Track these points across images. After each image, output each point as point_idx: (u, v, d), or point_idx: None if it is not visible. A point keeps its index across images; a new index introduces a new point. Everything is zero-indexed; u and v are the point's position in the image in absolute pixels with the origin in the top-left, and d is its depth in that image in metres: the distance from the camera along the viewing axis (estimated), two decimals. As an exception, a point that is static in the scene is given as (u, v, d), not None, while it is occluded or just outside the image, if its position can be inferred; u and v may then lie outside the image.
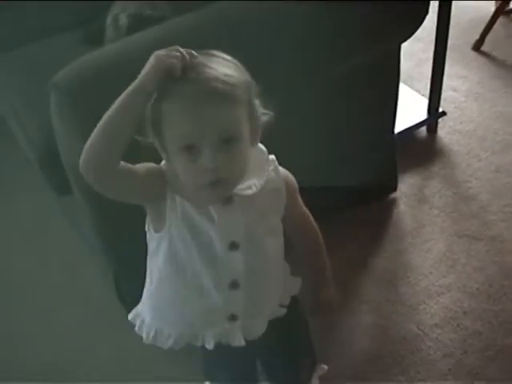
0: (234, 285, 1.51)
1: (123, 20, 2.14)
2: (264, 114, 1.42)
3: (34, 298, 2.55)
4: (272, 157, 1.51)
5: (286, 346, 1.79)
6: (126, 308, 2.33)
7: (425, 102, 2.97)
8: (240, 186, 1.42)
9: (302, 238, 1.66)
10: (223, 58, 1.37)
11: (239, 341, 1.58)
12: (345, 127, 2.38)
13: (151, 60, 1.31)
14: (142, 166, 1.41)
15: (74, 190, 2.16)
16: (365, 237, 2.56)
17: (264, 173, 1.47)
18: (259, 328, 1.62)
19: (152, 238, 1.52)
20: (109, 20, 2.25)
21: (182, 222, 1.43)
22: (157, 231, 1.49)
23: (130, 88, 1.31)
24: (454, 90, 3.24)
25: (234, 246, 1.47)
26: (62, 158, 2.08)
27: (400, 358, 2.22)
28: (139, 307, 1.66)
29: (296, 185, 1.58)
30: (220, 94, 1.29)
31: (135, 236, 2.08)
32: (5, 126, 2.61)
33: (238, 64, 1.38)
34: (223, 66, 1.34)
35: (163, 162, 1.46)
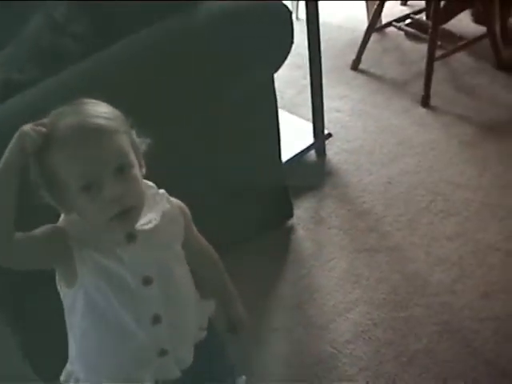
0: (156, 319, 1.52)
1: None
2: (142, 142, 1.47)
3: None
4: (162, 190, 1.55)
5: (207, 366, 1.77)
6: (44, 380, 2.30)
7: (310, 126, 3.02)
8: (140, 222, 1.45)
9: (201, 260, 1.69)
10: (93, 102, 1.42)
11: (174, 373, 1.60)
12: (231, 161, 2.41)
13: (15, 137, 1.33)
14: (40, 232, 1.41)
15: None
16: (267, 266, 2.58)
17: (158, 205, 1.51)
18: (188, 355, 1.64)
19: (66, 295, 1.51)
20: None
21: (93, 271, 1.43)
22: (69, 287, 1.48)
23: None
24: (338, 110, 3.31)
25: (147, 281, 1.48)
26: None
27: (318, 380, 2.22)
28: (68, 367, 1.63)
29: (188, 211, 1.62)
30: (103, 128, 1.36)
31: (38, 305, 2.07)
32: None
33: (106, 104, 1.44)
34: (96, 106, 1.40)
35: (61, 219, 1.46)
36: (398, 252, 2.59)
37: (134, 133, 1.45)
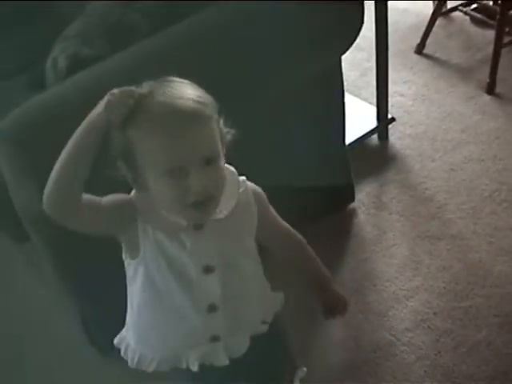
0: (212, 308, 1.51)
1: (62, 62, 2.14)
2: (227, 132, 1.44)
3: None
4: (243, 178, 1.52)
5: (268, 360, 1.79)
6: (99, 348, 2.33)
7: (373, 110, 3.00)
8: None
9: (286, 244, 1.67)
10: (183, 82, 1.39)
11: (223, 360, 1.59)
12: (295, 142, 2.40)
13: (103, 102, 1.31)
14: (109, 199, 1.42)
15: (32, 236, 2.15)
16: (327, 250, 2.55)
17: (234, 194, 1.48)
18: (242, 346, 1.63)
19: (129, 265, 1.52)
20: (48, 63, 2.24)
21: (155, 249, 1.44)
22: (132, 258, 1.49)
23: (82, 126, 1.32)
24: (401, 95, 3.28)
25: (208, 269, 1.47)
26: (15, 206, 2.07)
27: (375, 366, 2.23)
28: (124, 332, 1.66)
29: (266, 198, 1.59)
30: (200, 114, 1.33)
31: (99, 276, 2.10)
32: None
33: (196, 86, 1.40)
34: (188, 88, 1.36)
35: (133, 193, 1.46)
36: (459, 240, 2.56)
37: (221, 121, 1.42)
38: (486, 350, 2.21)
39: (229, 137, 1.44)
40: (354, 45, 2.28)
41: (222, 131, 1.41)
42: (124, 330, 1.67)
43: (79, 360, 2.37)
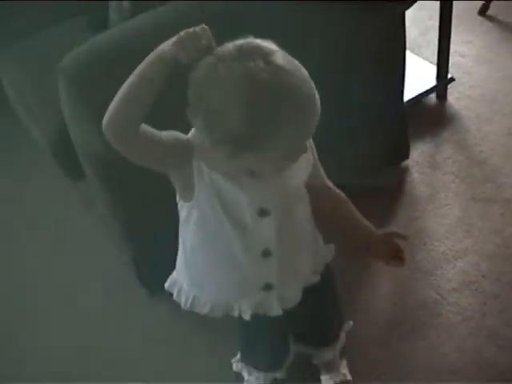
0: (266, 253, 1.52)
1: (126, 3, 2.15)
2: None
3: (51, 286, 2.58)
4: None
5: (318, 311, 1.84)
6: (148, 288, 2.37)
7: (433, 68, 2.96)
8: None
9: (330, 198, 1.66)
10: (286, 55, 1.32)
11: (276, 310, 1.61)
12: (355, 96, 2.38)
13: (177, 37, 1.29)
14: (169, 134, 1.41)
15: (88, 174, 2.18)
16: (379, 206, 2.56)
17: None
18: (295, 296, 1.65)
19: (182, 207, 1.52)
20: (113, 4, 2.25)
21: (210, 190, 1.43)
22: (186, 200, 1.49)
23: (148, 57, 1.31)
24: (462, 55, 3.23)
25: (264, 212, 1.47)
26: (74, 143, 2.10)
27: (420, 324, 2.23)
28: (175, 275, 1.69)
29: (314, 147, 1.59)
30: (315, 97, 1.34)
31: (152, 217, 2.12)
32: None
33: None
34: (297, 66, 1.32)
35: (192, 132, 1.44)
36: (513, 204, 2.54)
37: None
38: (532, 315, 2.19)
39: None
40: (418, 2, 2.25)
41: None
42: (175, 273, 1.69)
43: (128, 299, 2.41)
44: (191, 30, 1.28)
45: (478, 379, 2.07)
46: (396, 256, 1.68)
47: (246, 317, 1.62)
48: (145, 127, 1.35)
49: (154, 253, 2.25)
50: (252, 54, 1.26)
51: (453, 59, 3.08)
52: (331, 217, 1.68)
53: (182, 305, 1.67)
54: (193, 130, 1.44)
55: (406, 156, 2.73)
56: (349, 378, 2.09)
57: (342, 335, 2.03)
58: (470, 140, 2.82)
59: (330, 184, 1.67)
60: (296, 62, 1.31)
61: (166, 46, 1.30)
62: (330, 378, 2.07)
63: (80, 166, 2.19)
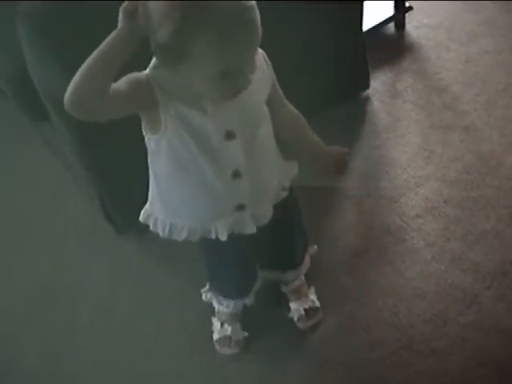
0: (237, 174, 1.57)
1: None
2: None
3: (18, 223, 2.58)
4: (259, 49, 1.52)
5: (283, 230, 1.89)
6: (115, 226, 2.37)
7: (390, -2, 2.96)
8: None
9: (287, 118, 1.72)
10: None
11: (250, 228, 1.67)
12: (313, 25, 2.37)
13: (121, 9, 1.30)
14: (127, 80, 1.41)
15: (51, 115, 2.15)
16: (341, 135, 2.56)
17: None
18: (267, 213, 1.72)
19: (150, 140, 1.54)
20: None
21: (176, 120, 1.46)
22: (154, 133, 1.51)
23: (109, 38, 1.31)
24: (421, -16, 3.23)
25: (230, 135, 1.51)
26: (35, 85, 2.06)
27: (385, 250, 2.27)
28: (148, 208, 1.71)
29: (271, 65, 1.60)
30: (251, 21, 1.33)
31: (116, 155, 2.11)
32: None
33: None
34: None
35: (150, 67, 1.45)
36: (472, 132, 2.57)
37: None
38: (494, 239, 2.25)
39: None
40: None
41: None
42: (148, 206, 1.71)
43: (96, 238, 2.42)
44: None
45: (442, 302, 2.11)
46: (340, 168, 1.85)
47: (223, 237, 1.66)
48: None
49: (119, 190, 2.25)
50: None
51: (410, -12, 3.08)
52: (290, 136, 1.75)
53: (161, 233, 1.71)
54: (151, 62, 1.45)
55: (367, 86, 2.74)
56: (317, 304, 2.13)
57: (307, 258, 2.10)
58: (430, 68, 2.84)
59: (289, 105, 1.72)
60: None
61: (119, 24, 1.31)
62: (298, 304, 2.11)
63: (42, 107, 2.15)
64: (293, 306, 2.12)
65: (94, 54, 1.31)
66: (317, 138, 1.80)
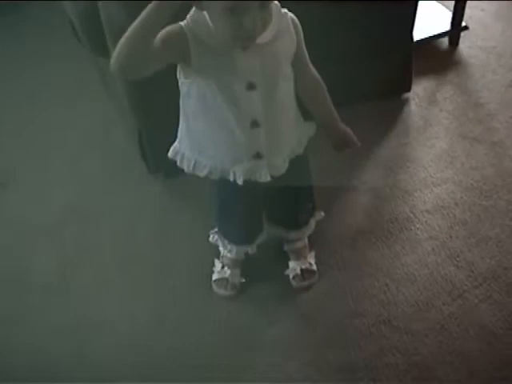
0: (255, 124, 1.71)
1: None
2: None
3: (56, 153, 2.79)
4: (284, 10, 1.69)
5: (291, 187, 2.02)
6: (147, 164, 2.55)
7: (449, 15, 3.10)
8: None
9: (308, 82, 1.85)
10: None
11: (265, 177, 1.81)
12: (365, 23, 2.54)
13: None
14: (160, 38, 1.55)
15: (110, 50, 2.33)
16: (374, 128, 2.74)
17: (277, 22, 1.64)
18: (282, 165, 1.84)
19: (183, 84, 1.72)
20: None
21: (205, 67, 1.62)
22: (186, 77, 1.69)
23: (151, 6, 1.47)
24: (482, 9, 3.36)
25: (251, 86, 1.65)
26: (103, 20, 2.25)
27: (388, 234, 2.40)
28: (176, 145, 1.88)
29: (301, 31, 1.74)
30: None
31: (159, 97, 2.29)
32: None
33: None
34: None
35: (189, 16, 1.62)
36: (498, 148, 2.68)
37: None
38: (494, 245, 2.36)
39: None
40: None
41: None
42: (176, 143, 1.88)
43: (129, 174, 2.63)
44: None
45: (430, 290, 2.23)
46: (341, 147, 1.99)
47: (240, 181, 1.81)
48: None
49: (155, 130, 2.43)
50: None
51: (472, 12, 3.25)
52: (308, 98, 1.89)
53: (185, 169, 1.87)
54: (190, 13, 1.62)
55: (408, 88, 2.88)
56: (314, 267, 2.26)
57: (312, 222, 2.23)
58: (472, 85, 2.97)
59: (312, 70, 1.85)
60: None
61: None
62: (296, 264, 2.25)
63: (104, 43, 2.34)
64: (291, 264, 2.26)
65: (138, 20, 1.48)
66: (332, 109, 1.93)
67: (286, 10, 1.69)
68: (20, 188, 2.67)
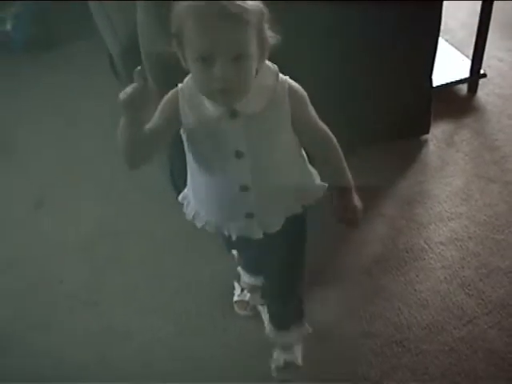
0: (244, 188, 1.69)
1: None
2: (273, 37, 1.53)
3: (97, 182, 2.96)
4: (281, 76, 1.62)
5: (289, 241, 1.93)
6: (177, 194, 2.69)
7: (468, 63, 3.25)
8: (246, 102, 1.55)
9: (317, 142, 1.71)
10: None
11: (257, 234, 1.79)
12: (387, 66, 2.70)
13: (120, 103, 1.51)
14: (159, 109, 1.62)
15: (149, 81, 2.49)
16: (393, 166, 2.89)
17: (269, 91, 1.58)
18: (276, 224, 1.80)
19: (183, 134, 1.69)
20: None
21: (194, 128, 1.62)
22: (183, 132, 1.68)
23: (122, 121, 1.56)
24: (501, 60, 3.50)
25: (239, 154, 1.63)
26: (141, 49, 2.42)
27: (403, 263, 2.52)
28: (186, 191, 1.92)
29: (305, 98, 1.65)
30: (233, 16, 1.42)
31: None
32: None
33: None
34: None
35: (186, 79, 1.63)
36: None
37: (265, 27, 1.51)
38: (504, 276, 2.46)
39: (273, 42, 1.53)
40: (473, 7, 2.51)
41: (264, 38, 1.51)
42: (186, 189, 1.90)
43: (160, 198, 2.78)
44: (128, 91, 1.51)
45: (442, 315, 2.34)
46: (348, 223, 1.80)
47: (233, 237, 1.82)
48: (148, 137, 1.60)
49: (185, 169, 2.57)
50: None
51: (491, 62, 3.39)
52: (319, 160, 1.78)
53: (187, 216, 1.89)
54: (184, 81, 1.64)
55: (427, 130, 3.02)
56: (299, 363, 2.19)
57: (299, 329, 2.18)
58: (489, 129, 3.10)
59: (323, 130, 1.70)
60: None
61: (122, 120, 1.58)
62: (281, 354, 2.20)
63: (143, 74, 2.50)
64: (275, 354, 2.21)
65: (119, 130, 1.58)
66: (345, 175, 1.76)
67: (285, 78, 1.63)
68: (54, 208, 2.84)
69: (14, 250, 2.70)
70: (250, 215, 1.75)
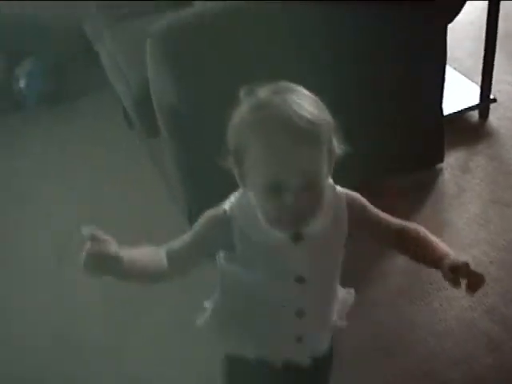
0: (300, 313, 1.54)
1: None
2: (339, 148, 1.38)
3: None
4: (339, 188, 1.48)
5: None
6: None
7: (477, 89, 3.30)
8: (311, 225, 1.40)
9: (399, 242, 1.58)
10: (304, 94, 1.34)
11: (305, 360, 1.66)
12: (396, 99, 2.74)
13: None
14: (202, 227, 1.46)
15: (161, 128, 2.55)
16: (411, 197, 2.92)
17: (330, 206, 1.43)
18: (323, 347, 1.70)
19: (222, 265, 1.53)
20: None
21: (251, 259, 1.46)
22: (228, 262, 1.51)
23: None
24: (510, 83, 3.54)
25: (300, 279, 1.48)
26: (153, 97, 2.49)
27: (427, 294, 2.54)
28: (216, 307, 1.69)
29: (363, 203, 1.52)
30: (307, 136, 1.27)
31: (210, 173, 2.49)
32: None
33: (318, 100, 1.35)
34: (307, 103, 1.30)
35: (235, 196, 1.46)
36: (529, 211, 2.83)
37: (334, 140, 1.36)
38: (528, 300, 2.48)
39: (339, 152, 1.37)
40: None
41: (332, 151, 1.36)
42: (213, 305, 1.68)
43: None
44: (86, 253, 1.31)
45: (468, 342, 2.36)
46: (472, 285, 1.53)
47: (278, 365, 1.65)
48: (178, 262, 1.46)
49: (205, 208, 2.62)
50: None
51: (501, 86, 3.42)
52: (399, 250, 1.64)
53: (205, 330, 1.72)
54: (236, 194, 1.47)
55: (441, 159, 3.05)
56: None
57: None
58: (503, 154, 3.13)
59: (391, 223, 1.56)
60: (314, 104, 1.33)
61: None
62: None
63: (156, 124, 2.57)
64: None
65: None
66: (438, 250, 1.61)
67: (343, 190, 1.49)
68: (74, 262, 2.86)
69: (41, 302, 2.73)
70: (300, 340, 1.61)
